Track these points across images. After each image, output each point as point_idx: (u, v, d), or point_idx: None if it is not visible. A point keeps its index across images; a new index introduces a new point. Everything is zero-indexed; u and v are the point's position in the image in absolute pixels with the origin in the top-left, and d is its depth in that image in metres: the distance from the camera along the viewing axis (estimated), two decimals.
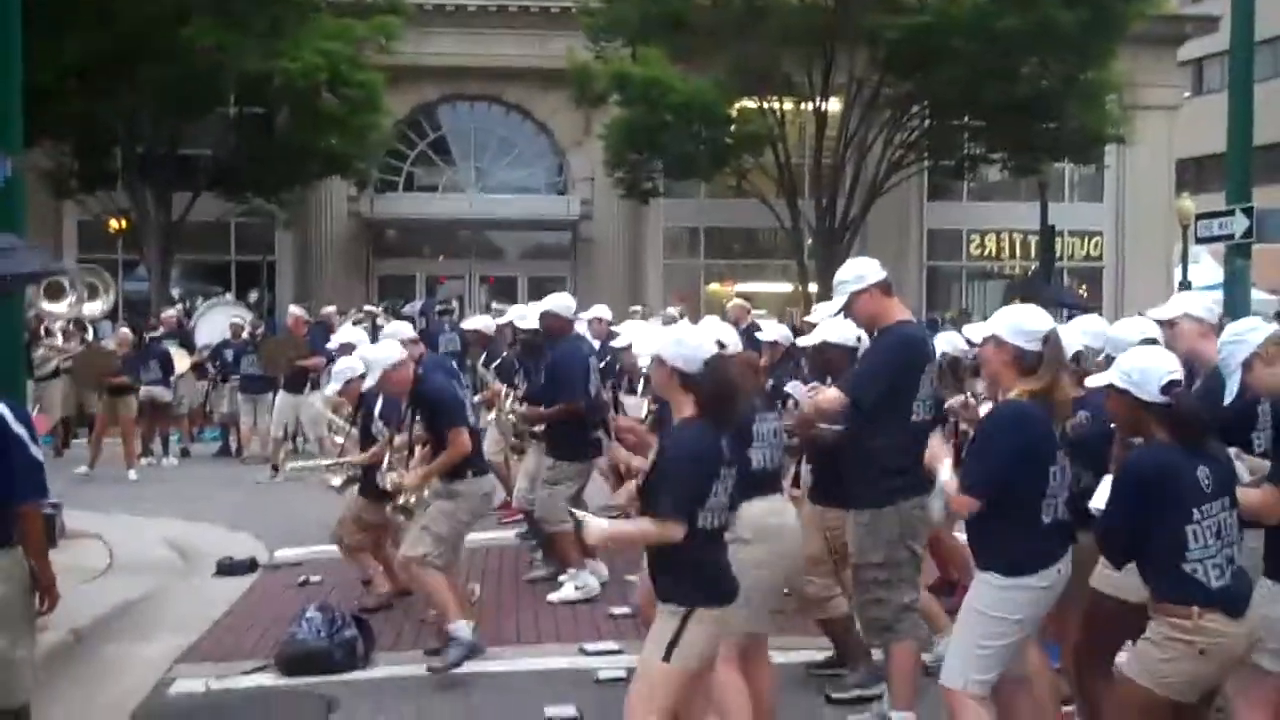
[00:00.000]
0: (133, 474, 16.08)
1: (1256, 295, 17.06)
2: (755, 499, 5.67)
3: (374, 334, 12.75)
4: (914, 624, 6.19)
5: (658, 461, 4.87)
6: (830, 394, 6.24)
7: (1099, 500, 4.91)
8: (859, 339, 6.73)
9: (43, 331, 18.03)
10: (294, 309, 18.77)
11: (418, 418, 7.96)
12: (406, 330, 9.38)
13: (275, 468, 15.84)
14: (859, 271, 6.32)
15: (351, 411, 9.24)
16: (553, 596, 9.30)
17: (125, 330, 18.11)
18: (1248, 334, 5.10)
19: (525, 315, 10.32)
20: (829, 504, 6.95)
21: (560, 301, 9.90)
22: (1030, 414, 5.02)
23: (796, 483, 7.51)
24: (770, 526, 5.75)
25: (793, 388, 6.58)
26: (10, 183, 10.44)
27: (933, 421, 6.15)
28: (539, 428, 9.78)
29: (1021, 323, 5.14)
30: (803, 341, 7.37)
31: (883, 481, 6.05)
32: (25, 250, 9.22)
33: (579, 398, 9.39)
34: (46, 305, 17.99)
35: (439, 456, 7.69)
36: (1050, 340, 5.10)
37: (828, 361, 6.93)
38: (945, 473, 5.13)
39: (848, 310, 6.33)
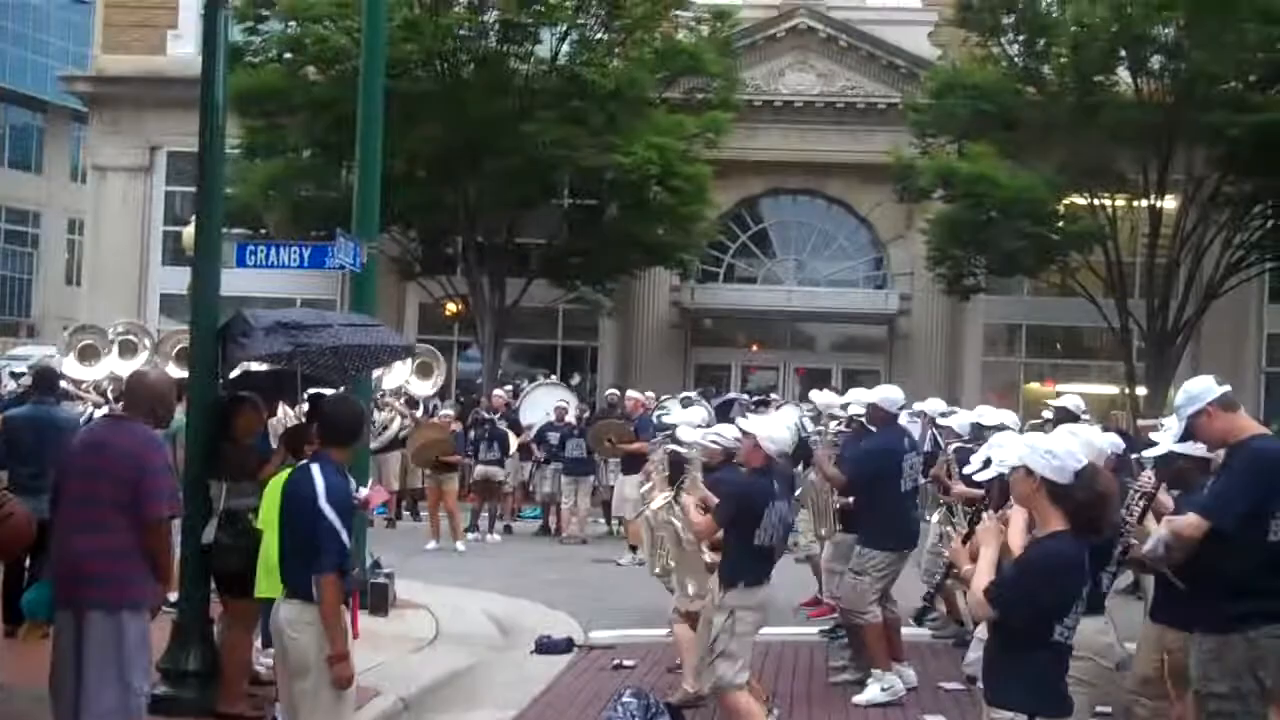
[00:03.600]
0: (460, 546, 16.83)
1: None
2: (1085, 617, 5.52)
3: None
4: None
5: (1018, 566, 4.84)
6: (1190, 519, 5.98)
7: None
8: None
9: (383, 400, 19.10)
10: (633, 393, 19.29)
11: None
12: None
13: (634, 548, 16.05)
14: (1192, 393, 6.16)
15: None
16: (858, 699, 9.19)
17: (448, 413, 19.04)
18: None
19: (852, 401, 10.26)
20: (1171, 625, 6.55)
21: (888, 394, 9.90)
22: None
23: None
24: (1100, 645, 5.59)
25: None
26: (365, 267, 11.25)
27: None
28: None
29: None
30: (1149, 453, 7.12)
31: (1232, 605, 5.79)
32: (386, 330, 9.90)
33: (854, 485, 9.54)
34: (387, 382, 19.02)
35: (698, 515, 7.93)
36: None
37: (1179, 473, 6.67)
38: None
39: (1191, 435, 6.13)
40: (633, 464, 16.37)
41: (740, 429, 7.94)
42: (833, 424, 10.55)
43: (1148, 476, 6.83)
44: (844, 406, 10.46)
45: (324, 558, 5.74)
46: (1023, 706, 4.80)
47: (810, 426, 12.15)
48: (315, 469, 5.90)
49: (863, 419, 10.02)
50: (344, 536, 5.78)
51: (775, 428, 7.73)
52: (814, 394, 14.44)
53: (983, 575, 4.89)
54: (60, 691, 6.28)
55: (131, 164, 31.12)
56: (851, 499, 9.91)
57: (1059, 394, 22.25)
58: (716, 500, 8.01)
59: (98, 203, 31.91)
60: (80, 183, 41.11)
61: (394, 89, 16.93)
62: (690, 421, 9.61)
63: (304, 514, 5.81)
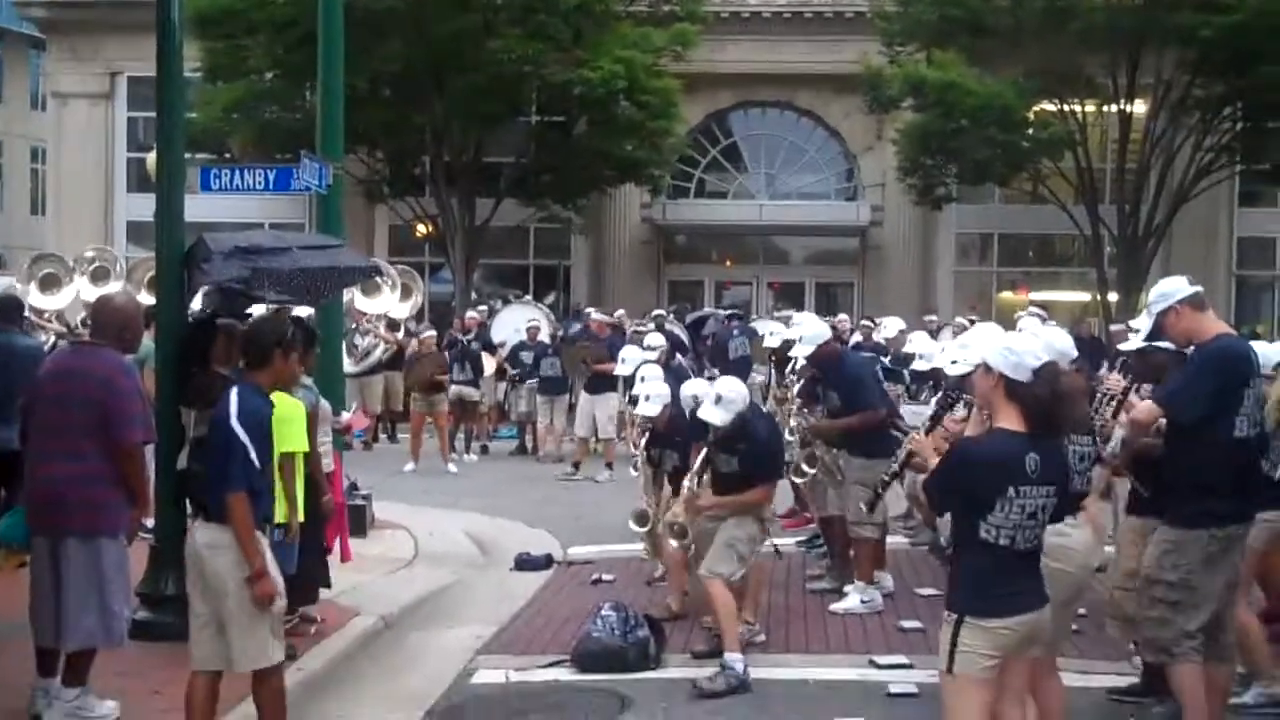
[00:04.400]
0: (452, 467, 16.82)
1: None
2: None
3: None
4: (1193, 650, 5.97)
5: (942, 462, 4.94)
6: (1145, 405, 6.08)
7: None
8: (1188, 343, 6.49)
9: (365, 323, 19.01)
10: (596, 314, 19.28)
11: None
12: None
13: (576, 465, 16.34)
14: (1163, 290, 6.22)
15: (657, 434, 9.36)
16: (836, 607, 9.27)
17: (433, 331, 18.93)
18: None
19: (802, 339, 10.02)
20: (1155, 516, 6.52)
21: (819, 330, 9.76)
22: None
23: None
24: (1051, 546, 5.60)
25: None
26: (330, 188, 11.15)
27: (1258, 439, 5.92)
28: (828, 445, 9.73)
29: None
30: (1125, 347, 7.17)
31: (1196, 501, 5.87)
32: (350, 250, 9.82)
33: (879, 406, 9.44)
34: (361, 303, 18.92)
35: (742, 495, 8.08)
36: None
37: (1155, 367, 6.70)
38: None
39: (1159, 333, 6.17)
40: (598, 383, 16.55)
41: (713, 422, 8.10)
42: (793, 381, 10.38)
43: (1115, 379, 6.88)
44: (788, 344, 10.29)
45: (231, 476, 5.67)
46: (954, 606, 4.85)
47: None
48: (233, 391, 5.86)
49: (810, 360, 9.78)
50: (253, 455, 5.70)
51: (726, 399, 8.05)
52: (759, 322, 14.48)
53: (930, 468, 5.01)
54: (40, 618, 6.29)
55: (92, 90, 30.70)
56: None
57: (1032, 302, 22.52)
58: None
59: (59, 131, 31.54)
60: (41, 110, 40.49)
61: (355, 6, 16.66)
62: (645, 392, 9.50)
63: (218, 435, 5.79)
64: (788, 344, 10.08)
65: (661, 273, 31.12)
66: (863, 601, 9.24)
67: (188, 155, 9.02)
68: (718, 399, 8.05)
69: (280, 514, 7.05)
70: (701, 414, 8.13)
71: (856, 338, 17.30)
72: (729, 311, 22.52)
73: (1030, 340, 5.10)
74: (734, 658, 7.51)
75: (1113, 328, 17.32)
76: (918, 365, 11.04)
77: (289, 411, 7.24)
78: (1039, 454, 4.79)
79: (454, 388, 18.28)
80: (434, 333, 18.83)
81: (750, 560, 8.16)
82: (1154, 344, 6.58)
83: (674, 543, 8.68)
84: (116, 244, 28.21)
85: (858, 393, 9.47)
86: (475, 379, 18.40)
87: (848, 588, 9.45)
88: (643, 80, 23.91)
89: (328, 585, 8.57)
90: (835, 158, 31.23)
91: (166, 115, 8.27)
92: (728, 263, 32.26)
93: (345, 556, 9.24)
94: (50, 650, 6.34)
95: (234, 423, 5.71)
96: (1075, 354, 6.39)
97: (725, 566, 7.88)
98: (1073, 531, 5.87)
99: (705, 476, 8.33)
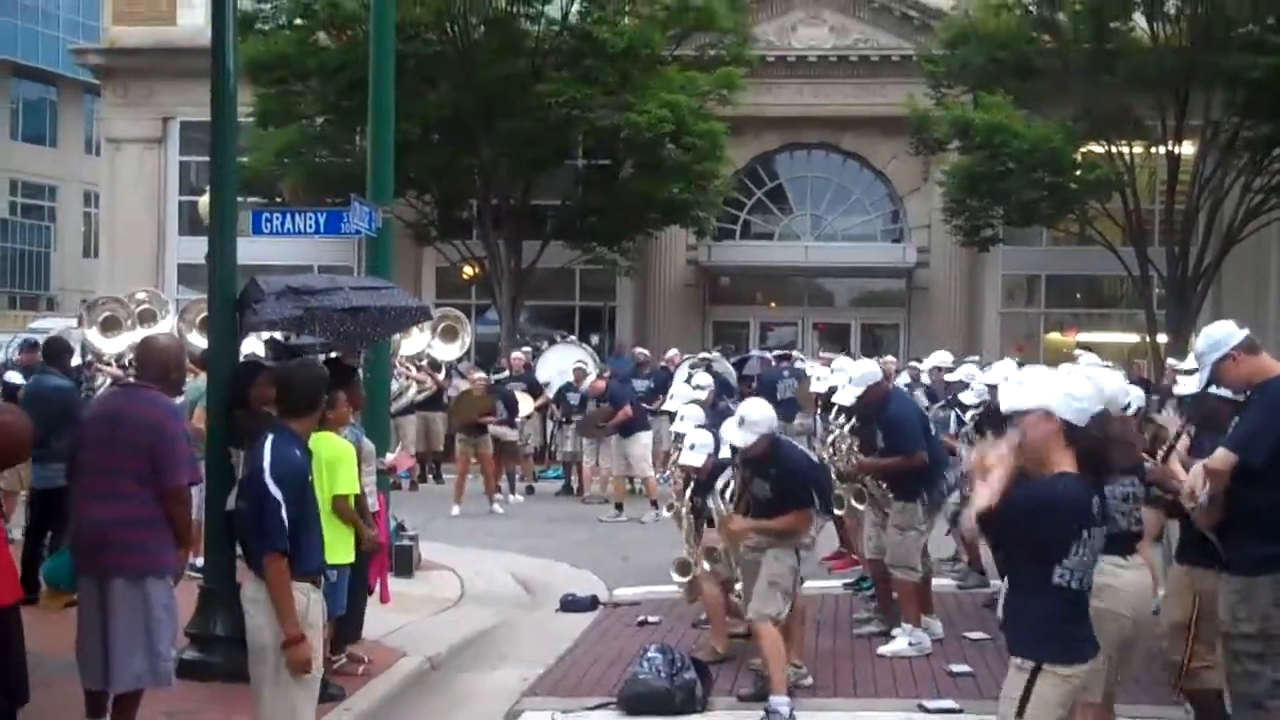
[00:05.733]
0: (497, 508, 16.82)
1: None
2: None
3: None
4: None
5: (1011, 505, 4.79)
6: (1219, 455, 5.97)
7: None
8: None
9: (396, 364, 19.08)
10: (591, 377, 19.28)
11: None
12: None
13: (619, 506, 16.37)
14: (1215, 338, 6.12)
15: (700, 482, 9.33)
16: (884, 650, 9.21)
17: (481, 373, 18.95)
18: None
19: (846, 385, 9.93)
20: (1198, 564, 6.50)
21: (869, 369, 9.75)
22: None
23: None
24: (1101, 585, 5.53)
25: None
26: (380, 232, 11.24)
27: None
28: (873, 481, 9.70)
29: None
30: (1180, 390, 7.10)
31: (1261, 545, 5.78)
32: (400, 292, 9.89)
33: (919, 450, 9.36)
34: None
35: (777, 520, 7.99)
36: None
37: (1211, 413, 6.62)
38: None
39: (1215, 383, 6.09)
40: (626, 425, 16.93)
41: (734, 443, 8.17)
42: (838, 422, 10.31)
43: (1171, 418, 6.80)
44: (831, 390, 10.25)
45: (265, 536, 5.55)
46: (1031, 653, 4.78)
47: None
48: (267, 441, 5.69)
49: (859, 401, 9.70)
50: (284, 513, 5.54)
51: (749, 420, 7.99)
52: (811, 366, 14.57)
53: (983, 498, 4.85)
54: (88, 660, 6.32)
55: (145, 135, 31.16)
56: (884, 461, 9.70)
57: (1079, 344, 22.37)
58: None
59: (112, 175, 31.98)
60: (95, 155, 41.16)
61: (405, 52, 16.87)
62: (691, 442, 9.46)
63: (252, 488, 5.66)
64: (834, 390, 10.03)
65: (707, 314, 31.13)
66: (911, 644, 9.17)
67: (239, 199, 9.13)
68: (741, 420, 8.02)
69: (337, 556, 7.08)
70: (726, 437, 8.20)
71: (904, 379, 17.22)
72: (778, 352, 22.41)
73: (1088, 385, 5.05)
74: (780, 701, 7.47)
75: (1170, 362, 17.26)
76: (965, 397, 11.01)
77: (339, 453, 7.29)
78: (1099, 496, 4.83)
79: (491, 429, 18.26)
80: (484, 375, 18.84)
81: (794, 594, 8.11)
82: (1209, 391, 6.51)
83: (707, 565, 8.67)
84: (168, 286, 28.54)
85: (897, 436, 9.43)
86: (510, 419, 18.36)
87: (895, 630, 9.39)
88: (689, 124, 23.98)
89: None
90: (881, 200, 31.20)
91: (219, 159, 8.38)
92: (773, 304, 32.23)
93: (384, 598, 9.24)
94: (98, 691, 6.38)
95: (267, 478, 5.56)
96: (1128, 399, 6.31)
97: (772, 607, 7.84)
98: (1121, 572, 5.81)
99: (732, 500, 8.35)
